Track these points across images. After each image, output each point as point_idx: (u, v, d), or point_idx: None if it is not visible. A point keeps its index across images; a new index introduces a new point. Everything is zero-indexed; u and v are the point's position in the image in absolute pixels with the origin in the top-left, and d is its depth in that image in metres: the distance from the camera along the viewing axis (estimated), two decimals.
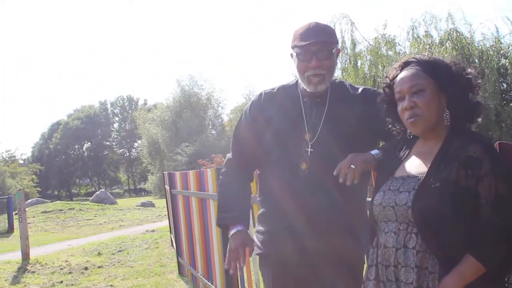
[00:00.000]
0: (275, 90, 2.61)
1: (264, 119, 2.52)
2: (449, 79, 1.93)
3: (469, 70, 1.97)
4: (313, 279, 2.43)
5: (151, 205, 27.09)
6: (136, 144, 70.04)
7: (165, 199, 12.46)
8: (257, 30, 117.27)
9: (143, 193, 56.55)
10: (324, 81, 2.41)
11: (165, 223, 15.00)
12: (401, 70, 2.02)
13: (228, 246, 2.59)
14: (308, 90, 2.44)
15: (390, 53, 17.47)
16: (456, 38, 15.96)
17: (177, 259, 7.98)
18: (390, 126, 2.13)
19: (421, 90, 1.92)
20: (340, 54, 2.52)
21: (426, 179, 1.84)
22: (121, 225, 17.19)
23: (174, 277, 7.67)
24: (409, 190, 1.87)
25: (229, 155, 2.74)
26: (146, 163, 51.04)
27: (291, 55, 2.48)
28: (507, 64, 15.24)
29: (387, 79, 2.09)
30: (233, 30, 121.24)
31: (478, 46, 16.18)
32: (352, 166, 2.12)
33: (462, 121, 1.93)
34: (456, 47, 15.07)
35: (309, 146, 2.39)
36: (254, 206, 3.42)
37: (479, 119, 1.96)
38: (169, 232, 11.09)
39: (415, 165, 1.97)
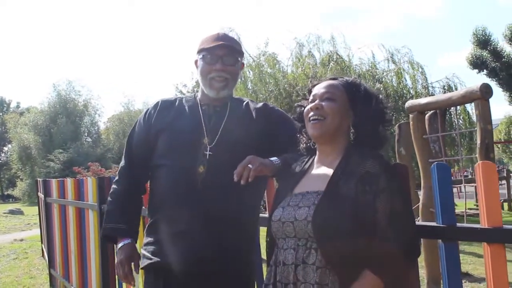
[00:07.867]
0: (173, 99, 2.61)
1: (159, 126, 2.49)
2: (363, 103, 2.01)
3: (388, 104, 2.09)
4: None
5: (20, 212, 25.68)
6: (5, 149, 66.26)
7: (36, 207, 11.91)
8: (139, 42, 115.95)
9: (11, 199, 53.45)
10: (227, 86, 2.43)
11: (35, 232, 14.44)
12: None
13: (116, 260, 2.55)
14: (210, 95, 2.44)
15: (273, 70, 17.93)
16: (336, 61, 16.74)
17: (49, 270, 7.64)
18: (298, 133, 2.19)
19: (332, 99, 1.99)
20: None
21: (326, 194, 1.87)
22: None
23: None
24: (308, 205, 1.88)
25: (121, 163, 2.67)
26: (16, 169, 48.44)
27: (196, 62, 2.50)
28: (381, 89, 16.15)
29: (310, 85, 2.16)
30: (113, 39, 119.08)
31: (355, 69, 17.08)
32: (249, 165, 2.12)
33: (365, 146, 1.99)
34: (336, 69, 15.78)
35: (208, 149, 2.38)
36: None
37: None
38: (40, 242, 10.63)
39: (314, 181, 1.99)
